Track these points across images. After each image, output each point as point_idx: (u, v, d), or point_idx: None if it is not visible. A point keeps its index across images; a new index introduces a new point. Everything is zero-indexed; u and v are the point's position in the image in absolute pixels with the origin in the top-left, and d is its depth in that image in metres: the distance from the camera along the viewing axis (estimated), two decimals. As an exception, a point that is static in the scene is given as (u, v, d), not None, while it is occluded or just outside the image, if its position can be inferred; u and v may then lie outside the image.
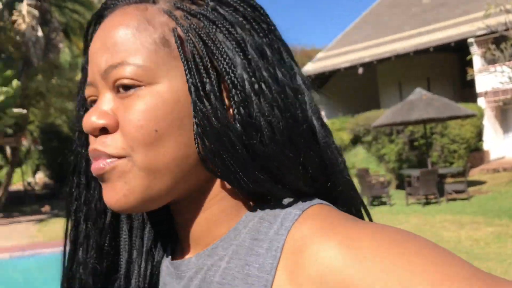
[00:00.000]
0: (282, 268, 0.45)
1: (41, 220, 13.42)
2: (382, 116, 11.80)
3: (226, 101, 0.49)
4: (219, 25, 0.49)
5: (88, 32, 0.56)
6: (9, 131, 15.27)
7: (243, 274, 0.47)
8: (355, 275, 0.41)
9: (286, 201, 0.50)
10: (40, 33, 13.19)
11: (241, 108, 0.47)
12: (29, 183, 21.84)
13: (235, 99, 0.48)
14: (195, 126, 0.49)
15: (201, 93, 0.48)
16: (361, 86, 19.01)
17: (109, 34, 0.50)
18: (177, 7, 0.51)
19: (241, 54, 0.48)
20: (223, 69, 0.48)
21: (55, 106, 16.35)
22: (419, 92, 11.33)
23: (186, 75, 0.48)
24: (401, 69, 17.74)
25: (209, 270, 0.50)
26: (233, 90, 0.48)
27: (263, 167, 0.48)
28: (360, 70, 17.52)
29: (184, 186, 0.50)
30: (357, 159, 15.75)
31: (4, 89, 12.46)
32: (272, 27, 0.53)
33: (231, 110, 0.49)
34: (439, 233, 7.13)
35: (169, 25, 0.50)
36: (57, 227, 11.79)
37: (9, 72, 13.16)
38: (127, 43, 0.49)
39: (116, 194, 0.49)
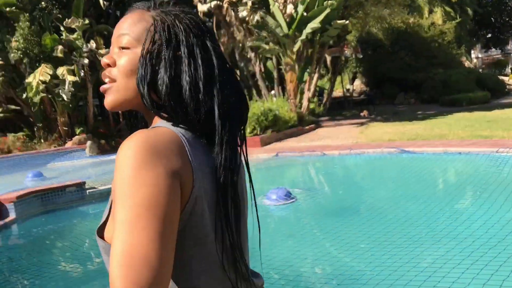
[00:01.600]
0: None
1: (361, 124, 14.62)
2: None
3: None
4: (166, 31, 0.92)
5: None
6: (330, 42, 16.66)
7: None
8: (116, 163, 0.79)
9: (168, 122, 0.90)
10: None
11: (160, 66, 0.91)
12: (347, 90, 23.70)
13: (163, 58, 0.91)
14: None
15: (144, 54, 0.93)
16: None
17: (126, 18, 0.97)
18: (157, 14, 0.95)
19: (173, 37, 0.92)
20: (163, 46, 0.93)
21: (372, 14, 16.84)
22: None
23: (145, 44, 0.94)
24: None
25: None
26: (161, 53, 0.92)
27: (164, 102, 0.90)
28: None
29: (136, 101, 0.94)
30: None
31: (329, 2, 13.53)
32: (196, 27, 0.94)
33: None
34: None
35: (150, 22, 0.94)
36: (376, 130, 12.68)
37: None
38: (132, 24, 0.95)
39: (106, 100, 0.95)
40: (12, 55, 15.08)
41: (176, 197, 0.78)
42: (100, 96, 12.78)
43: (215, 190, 0.87)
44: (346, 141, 11.56)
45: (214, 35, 0.97)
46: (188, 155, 0.83)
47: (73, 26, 14.97)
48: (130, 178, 0.76)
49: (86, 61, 14.93)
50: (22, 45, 14.67)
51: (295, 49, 14.42)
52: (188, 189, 0.81)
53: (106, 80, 0.95)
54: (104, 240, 0.89)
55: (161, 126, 0.87)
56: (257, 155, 10.96)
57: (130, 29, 0.94)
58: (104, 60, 0.95)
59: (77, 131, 16.29)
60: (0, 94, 16.48)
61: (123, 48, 0.93)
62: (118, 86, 0.93)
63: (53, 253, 5.62)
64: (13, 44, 14.83)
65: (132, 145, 0.78)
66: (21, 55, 14.87)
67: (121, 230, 0.73)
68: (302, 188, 7.29)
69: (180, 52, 0.91)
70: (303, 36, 14.02)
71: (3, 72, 15.73)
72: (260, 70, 16.69)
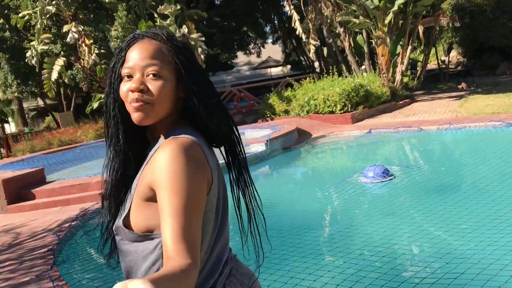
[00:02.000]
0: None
1: (459, 97, 13.79)
2: None
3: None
4: (186, 63, 1.16)
5: (126, 45, 1.19)
6: (423, 12, 15.76)
7: (154, 152, 1.14)
8: (156, 165, 1.06)
9: (184, 130, 1.14)
10: None
11: (185, 89, 1.17)
12: (442, 62, 22.40)
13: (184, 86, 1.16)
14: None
15: (175, 85, 1.16)
16: None
17: (147, 48, 1.14)
18: (176, 49, 1.16)
19: (192, 67, 1.18)
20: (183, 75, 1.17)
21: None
22: None
23: (174, 77, 1.16)
24: None
25: (150, 150, 1.18)
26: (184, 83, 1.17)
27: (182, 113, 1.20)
28: None
29: (159, 117, 1.14)
30: None
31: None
32: (189, 54, 1.19)
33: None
34: None
35: (170, 54, 1.14)
36: (477, 103, 11.90)
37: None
38: (157, 55, 1.13)
39: (140, 117, 1.11)
40: (112, 43, 16.02)
41: (205, 194, 1.08)
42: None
43: (223, 181, 1.20)
44: (445, 115, 10.98)
45: None
46: (207, 159, 1.11)
47: (166, 13, 15.55)
48: (181, 178, 1.02)
49: (180, 45, 15.44)
50: (120, 33, 15.51)
51: (386, 21, 13.84)
52: (210, 183, 1.11)
53: (137, 101, 1.11)
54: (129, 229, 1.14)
55: (182, 136, 1.11)
56: (349, 132, 10.78)
57: (159, 60, 1.12)
58: (136, 86, 1.11)
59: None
60: (103, 81, 17.63)
61: (154, 75, 1.11)
62: (154, 108, 1.11)
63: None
64: (113, 33, 15.73)
65: (177, 152, 1.04)
66: (120, 43, 15.75)
67: (175, 214, 0.99)
68: (400, 165, 7.07)
69: (200, 78, 1.17)
70: (395, 7, 13.40)
71: (105, 60, 16.78)
72: (350, 45, 16.25)
